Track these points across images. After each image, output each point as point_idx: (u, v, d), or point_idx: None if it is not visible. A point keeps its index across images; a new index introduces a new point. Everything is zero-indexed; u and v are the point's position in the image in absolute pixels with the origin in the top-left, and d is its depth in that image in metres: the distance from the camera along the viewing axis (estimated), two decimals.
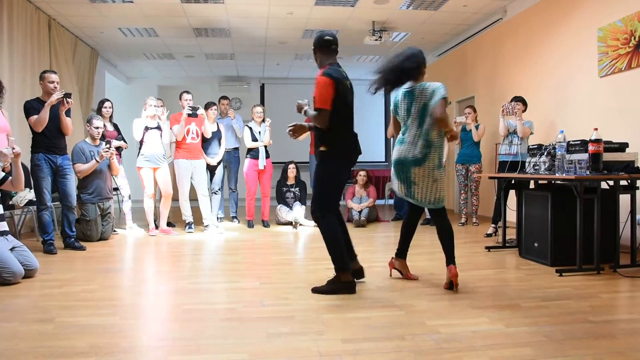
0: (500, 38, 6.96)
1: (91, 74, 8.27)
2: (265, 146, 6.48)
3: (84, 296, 3.12)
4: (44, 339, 2.35)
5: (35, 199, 4.76)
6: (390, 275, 3.59)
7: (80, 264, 4.19)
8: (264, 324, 2.55)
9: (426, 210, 6.73)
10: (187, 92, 6.14)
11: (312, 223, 6.49)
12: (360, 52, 9.10)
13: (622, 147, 3.92)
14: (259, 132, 6.45)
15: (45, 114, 4.43)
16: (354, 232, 5.95)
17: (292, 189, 6.78)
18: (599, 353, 2.16)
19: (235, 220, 6.82)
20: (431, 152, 3.22)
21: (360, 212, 6.64)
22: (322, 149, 3.21)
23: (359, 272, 3.40)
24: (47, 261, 4.17)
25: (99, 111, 5.97)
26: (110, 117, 6.06)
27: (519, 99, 5.31)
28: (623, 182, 3.80)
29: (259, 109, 6.57)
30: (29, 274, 3.53)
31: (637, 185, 3.83)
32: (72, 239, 4.81)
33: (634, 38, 4.55)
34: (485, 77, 7.22)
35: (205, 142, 6.24)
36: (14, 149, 3.65)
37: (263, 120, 6.50)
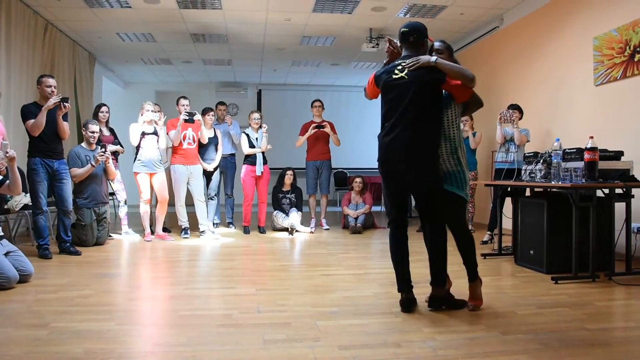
0: (497, 46, 7.00)
1: (89, 78, 8.27)
2: (263, 152, 6.49)
3: (79, 301, 3.10)
4: (38, 344, 2.33)
5: (30, 203, 4.74)
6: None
7: (75, 269, 4.17)
8: (260, 331, 2.54)
9: None
10: (184, 97, 6.14)
11: (308, 229, 6.50)
12: (357, 58, 9.13)
13: (617, 155, 3.94)
14: (256, 139, 6.46)
15: (42, 118, 4.42)
16: (349, 239, 5.98)
17: (288, 195, 6.77)
18: None
19: (231, 226, 6.81)
20: None
21: (356, 218, 6.64)
22: None
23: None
24: (42, 266, 4.15)
25: (95, 116, 5.96)
26: (107, 121, 6.05)
27: (515, 107, 5.33)
28: (618, 190, 3.82)
29: (257, 115, 6.58)
30: (23, 278, 3.51)
31: (632, 193, 3.84)
32: (68, 244, 4.79)
33: (629, 47, 4.58)
34: (482, 85, 7.20)
35: (202, 148, 6.24)
36: (7, 152, 3.63)
37: (260, 127, 6.51)
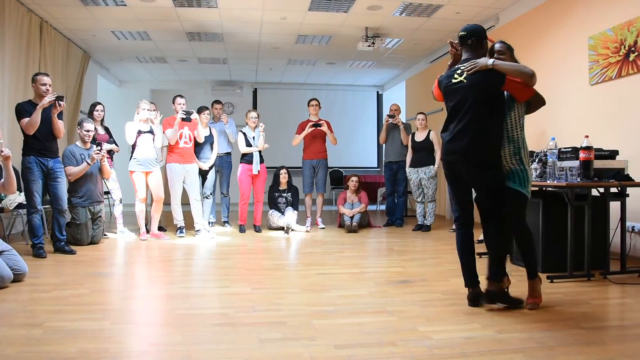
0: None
1: (83, 76, 8.22)
2: (260, 151, 6.47)
3: (74, 300, 3.09)
4: (32, 343, 2.32)
5: (25, 202, 4.71)
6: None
7: (70, 268, 4.15)
8: (255, 330, 2.54)
9: (418, 216, 6.74)
10: (181, 96, 6.11)
11: (304, 228, 6.49)
12: (353, 57, 9.13)
13: (612, 154, 3.95)
14: (253, 137, 6.44)
15: (37, 116, 4.40)
16: (345, 238, 5.98)
17: (284, 194, 6.76)
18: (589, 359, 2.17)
19: (227, 225, 6.80)
20: None
21: (352, 217, 6.64)
22: None
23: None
24: (36, 265, 4.13)
25: (90, 114, 5.93)
26: (102, 120, 6.03)
27: None
28: (613, 190, 3.83)
29: (254, 114, 6.56)
30: (17, 278, 3.48)
31: (627, 192, 3.85)
32: (62, 243, 4.77)
33: (624, 47, 4.60)
34: None
35: (197, 147, 6.22)
36: (2, 151, 3.61)
37: (257, 126, 6.49)
